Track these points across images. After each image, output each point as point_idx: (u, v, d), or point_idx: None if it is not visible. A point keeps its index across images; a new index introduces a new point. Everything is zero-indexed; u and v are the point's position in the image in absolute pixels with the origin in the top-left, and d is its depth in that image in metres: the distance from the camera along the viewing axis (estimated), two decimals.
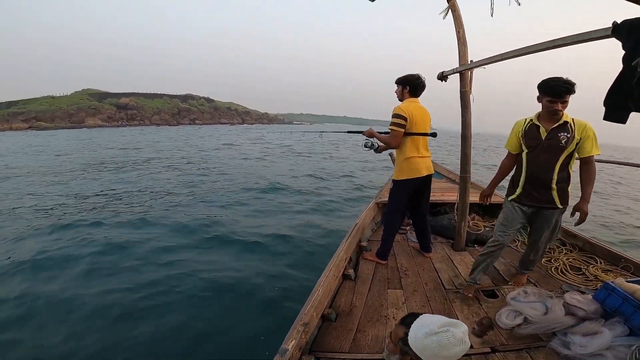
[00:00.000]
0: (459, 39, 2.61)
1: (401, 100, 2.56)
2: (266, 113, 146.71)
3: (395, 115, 2.43)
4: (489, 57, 2.26)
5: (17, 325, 2.67)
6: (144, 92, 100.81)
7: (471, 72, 2.63)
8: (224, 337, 2.51)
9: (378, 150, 2.72)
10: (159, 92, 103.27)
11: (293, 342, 1.47)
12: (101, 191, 7.52)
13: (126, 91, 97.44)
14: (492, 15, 2.36)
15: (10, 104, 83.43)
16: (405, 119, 2.41)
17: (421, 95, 2.57)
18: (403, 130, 2.44)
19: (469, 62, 2.57)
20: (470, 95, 2.67)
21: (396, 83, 2.58)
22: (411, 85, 2.51)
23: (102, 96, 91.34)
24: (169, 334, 2.54)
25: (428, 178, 2.64)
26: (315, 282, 1.99)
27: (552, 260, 2.65)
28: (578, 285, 2.27)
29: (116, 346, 2.41)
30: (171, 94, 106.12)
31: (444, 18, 2.63)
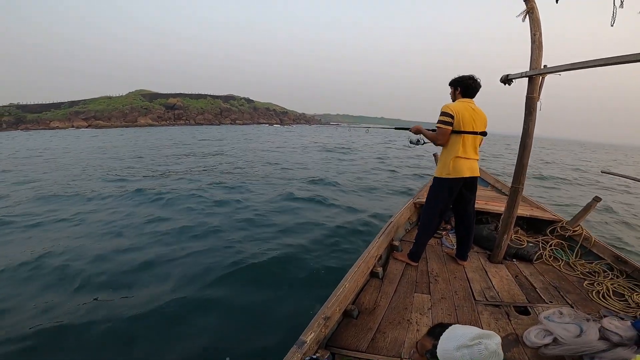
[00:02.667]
0: (534, 41, 2.47)
1: (454, 101, 2.53)
2: (303, 114, 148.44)
3: (442, 113, 2.42)
4: (572, 64, 2.07)
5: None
6: (189, 92, 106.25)
7: (543, 78, 2.48)
8: None
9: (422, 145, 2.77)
10: (202, 93, 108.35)
11: (312, 335, 1.47)
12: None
13: (174, 92, 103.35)
14: (612, 25, 2.17)
15: (72, 103, 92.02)
16: (452, 116, 2.38)
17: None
18: (450, 128, 2.41)
19: (542, 67, 2.42)
20: (538, 103, 2.51)
21: (449, 85, 2.58)
22: (463, 86, 2.48)
23: (152, 96, 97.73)
24: None
25: (472, 181, 2.56)
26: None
27: (594, 284, 2.49)
28: (618, 311, 2.13)
29: None
30: (214, 94, 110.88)
31: (523, 20, 2.50)
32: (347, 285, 1.93)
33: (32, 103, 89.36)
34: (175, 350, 2.37)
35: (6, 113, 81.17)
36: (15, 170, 10.85)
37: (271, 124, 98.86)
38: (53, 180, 9.06)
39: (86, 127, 74.08)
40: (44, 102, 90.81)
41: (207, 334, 2.53)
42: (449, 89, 2.61)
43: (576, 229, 3.08)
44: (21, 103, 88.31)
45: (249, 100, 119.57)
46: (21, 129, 72.76)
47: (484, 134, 2.54)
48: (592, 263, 2.78)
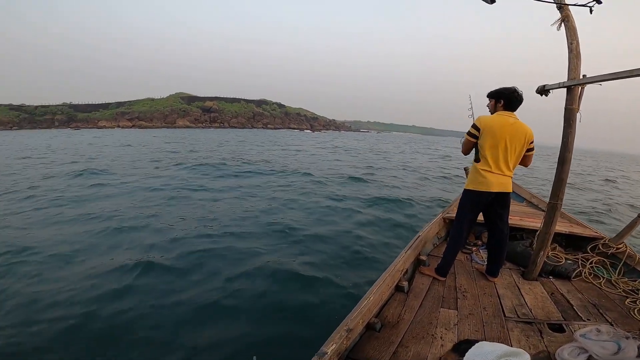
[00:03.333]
0: (571, 50, 2.39)
1: (492, 113, 2.48)
2: (334, 120, 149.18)
3: (472, 124, 2.42)
4: (615, 73, 1.98)
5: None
6: (224, 96, 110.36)
7: (582, 89, 2.38)
8: None
9: None
10: (237, 97, 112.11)
11: (333, 346, 1.46)
12: None
13: (210, 95, 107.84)
14: None
15: (119, 104, 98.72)
16: (478, 129, 2.35)
17: None
18: (473, 140, 2.40)
19: (582, 77, 2.33)
20: (578, 114, 2.41)
21: (488, 97, 2.50)
22: (506, 99, 2.40)
23: (191, 99, 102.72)
24: None
25: (502, 196, 2.47)
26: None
27: (637, 302, 2.34)
28: None
29: None
30: (248, 98, 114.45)
31: (558, 29, 2.44)
32: (371, 298, 1.91)
33: (83, 103, 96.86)
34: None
35: (59, 112, 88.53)
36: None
37: (302, 129, 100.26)
38: None
39: (130, 127, 79.00)
40: (93, 102, 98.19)
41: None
42: (485, 100, 2.55)
43: (619, 246, 2.90)
44: (73, 102, 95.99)
45: (280, 105, 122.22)
46: (72, 127, 78.98)
47: (529, 149, 2.44)
48: (635, 281, 2.60)
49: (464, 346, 1.03)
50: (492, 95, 2.47)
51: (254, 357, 2.20)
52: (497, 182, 2.40)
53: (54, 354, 2.32)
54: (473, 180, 2.45)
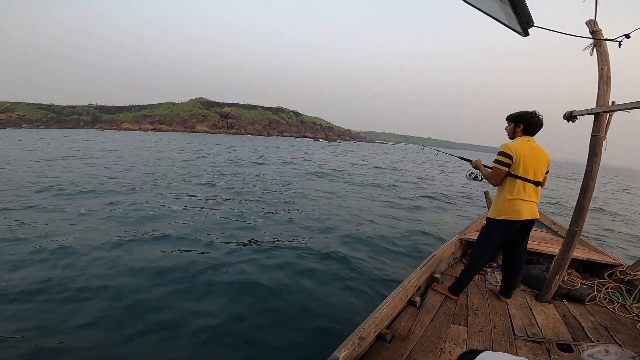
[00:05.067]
0: (601, 76, 2.35)
1: (511, 138, 2.42)
2: (349, 130, 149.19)
3: (500, 153, 2.29)
4: None
5: None
6: (242, 102, 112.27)
7: (610, 116, 2.34)
8: None
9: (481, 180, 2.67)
10: (254, 104, 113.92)
11: (345, 352, 1.51)
12: None
13: (228, 101, 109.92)
14: None
15: (142, 107, 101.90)
16: (511, 157, 2.25)
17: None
18: (505, 169, 2.28)
19: (610, 104, 2.29)
20: (604, 142, 2.35)
21: (507, 120, 2.43)
22: (525, 123, 2.32)
23: (209, 105, 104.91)
24: None
25: (530, 223, 2.43)
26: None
27: None
28: None
29: None
30: (264, 105, 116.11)
31: (590, 54, 2.41)
32: (384, 309, 1.96)
33: (107, 105, 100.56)
34: None
35: (85, 112, 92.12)
36: None
37: (317, 139, 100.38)
38: None
39: (151, 130, 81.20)
40: (117, 105, 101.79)
41: None
42: (504, 122, 2.49)
43: (637, 273, 2.87)
44: (98, 104, 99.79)
45: (297, 114, 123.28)
46: (97, 128, 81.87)
47: (537, 183, 2.36)
48: None
49: (468, 356, 1.00)
50: (512, 119, 2.41)
51: None
52: (527, 209, 2.34)
53: None
54: (503, 209, 2.36)
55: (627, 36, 2.16)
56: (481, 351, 1.01)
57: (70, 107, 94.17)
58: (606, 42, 2.38)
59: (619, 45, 2.24)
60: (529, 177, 2.30)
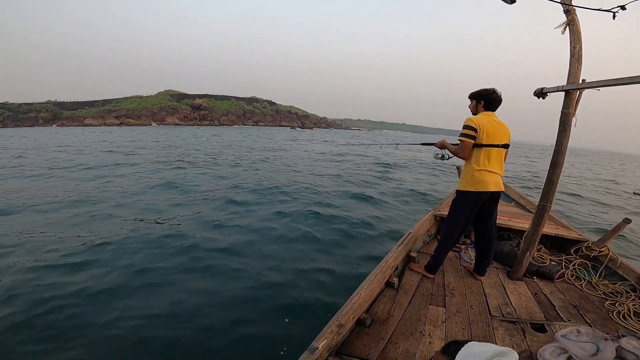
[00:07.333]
0: (573, 54, 2.39)
1: (475, 114, 2.51)
2: (325, 117, 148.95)
3: (465, 126, 2.41)
4: (616, 79, 1.98)
5: None
6: (214, 93, 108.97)
7: (580, 93, 2.39)
8: None
9: (448, 159, 2.77)
10: (227, 95, 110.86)
11: (324, 341, 1.48)
12: None
13: (200, 92, 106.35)
14: None
15: (105, 101, 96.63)
16: (475, 129, 2.37)
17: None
18: (472, 141, 2.40)
19: (580, 82, 2.33)
20: (573, 119, 2.43)
21: (470, 98, 2.56)
22: (486, 100, 2.47)
23: (180, 97, 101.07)
24: None
25: (496, 195, 2.53)
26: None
27: (616, 305, 2.42)
28: (637, 331, 2.06)
29: None
30: (238, 96, 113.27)
31: (562, 33, 2.46)
32: (362, 293, 1.94)
33: (68, 100, 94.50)
34: None
35: (44, 109, 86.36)
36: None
37: (293, 127, 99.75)
38: None
39: (117, 125, 77.43)
40: (79, 100, 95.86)
41: None
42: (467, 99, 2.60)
43: (602, 249, 3.00)
44: (58, 100, 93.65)
45: (271, 103, 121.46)
46: (57, 125, 77.10)
47: (506, 146, 2.50)
48: (615, 284, 2.68)
49: (453, 348, 1.03)
50: (473, 96, 2.54)
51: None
52: (493, 181, 2.45)
53: None
54: (471, 181, 2.46)
55: (623, 7, 2.12)
56: (465, 342, 1.03)
57: (26, 104, 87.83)
58: (578, 21, 2.42)
59: (614, 16, 2.22)
60: (493, 149, 2.42)
